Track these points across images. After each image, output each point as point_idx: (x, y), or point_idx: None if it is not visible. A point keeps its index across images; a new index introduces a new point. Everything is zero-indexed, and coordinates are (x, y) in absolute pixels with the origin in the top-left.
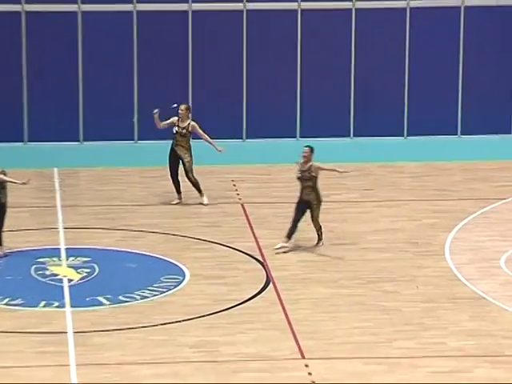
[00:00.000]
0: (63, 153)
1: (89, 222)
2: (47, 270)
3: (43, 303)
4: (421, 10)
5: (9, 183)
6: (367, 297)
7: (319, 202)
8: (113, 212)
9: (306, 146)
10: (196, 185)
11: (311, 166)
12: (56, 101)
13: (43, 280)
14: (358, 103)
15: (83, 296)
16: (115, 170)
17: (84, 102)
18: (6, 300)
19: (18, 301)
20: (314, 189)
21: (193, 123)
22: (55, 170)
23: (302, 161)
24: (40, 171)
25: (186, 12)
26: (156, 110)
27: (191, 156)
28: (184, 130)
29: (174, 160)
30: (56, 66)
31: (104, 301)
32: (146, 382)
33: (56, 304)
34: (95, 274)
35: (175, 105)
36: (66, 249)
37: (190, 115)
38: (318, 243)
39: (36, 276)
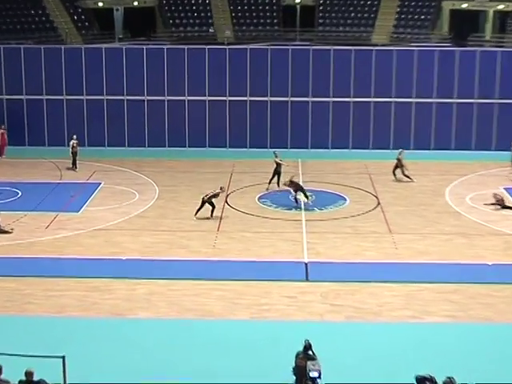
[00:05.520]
0: (302, 153)
1: (312, 179)
2: (296, 196)
3: (294, 209)
4: None
5: (282, 164)
6: (411, 209)
7: None
8: (320, 176)
9: None
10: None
11: None
12: None
13: (293, 200)
14: None
15: (308, 207)
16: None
17: None
18: (280, 208)
19: (285, 208)
20: None
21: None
22: (299, 160)
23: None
24: (294, 160)
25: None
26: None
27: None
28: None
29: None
30: None
31: (316, 209)
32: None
33: (298, 209)
34: (313, 198)
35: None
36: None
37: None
38: None
39: (291, 199)
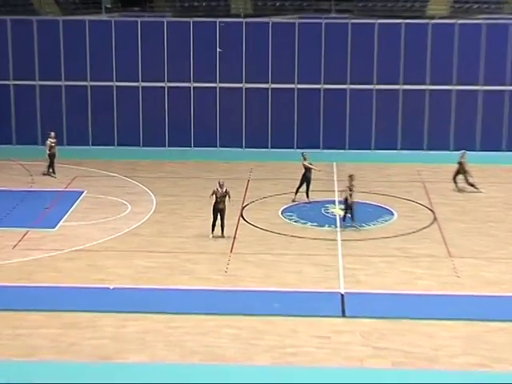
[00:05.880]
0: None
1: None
2: (329, 210)
3: (327, 225)
4: None
5: (312, 169)
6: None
7: None
8: (362, 184)
9: None
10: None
11: None
12: None
13: (327, 215)
14: None
15: (345, 223)
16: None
17: None
18: (310, 223)
19: (315, 224)
20: None
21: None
22: (334, 163)
23: None
24: (327, 163)
25: None
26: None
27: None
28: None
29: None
30: None
31: (355, 226)
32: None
33: (333, 226)
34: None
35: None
36: (338, 200)
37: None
38: None
39: (324, 213)
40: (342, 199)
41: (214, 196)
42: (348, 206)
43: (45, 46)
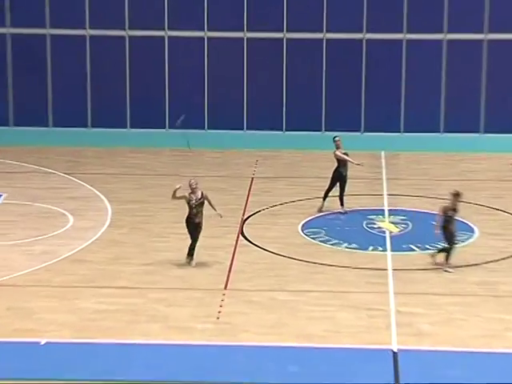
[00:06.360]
0: (387, 140)
1: (406, 191)
2: (375, 224)
3: (371, 248)
4: None
5: (349, 162)
6: None
7: None
8: (425, 184)
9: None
10: None
11: None
12: None
13: (372, 231)
14: None
15: (400, 244)
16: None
17: None
18: (345, 244)
19: (354, 245)
20: None
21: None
22: (382, 153)
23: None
24: (371, 153)
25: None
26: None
27: None
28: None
29: None
30: None
31: (415, 248)
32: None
33: (380, 248)
34: (409, 228)
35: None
36: (389, 209)
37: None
38: None
39: (367, 228)
40: (438, 230)
41: (187, 205)
42: (448, 240)
43: None
